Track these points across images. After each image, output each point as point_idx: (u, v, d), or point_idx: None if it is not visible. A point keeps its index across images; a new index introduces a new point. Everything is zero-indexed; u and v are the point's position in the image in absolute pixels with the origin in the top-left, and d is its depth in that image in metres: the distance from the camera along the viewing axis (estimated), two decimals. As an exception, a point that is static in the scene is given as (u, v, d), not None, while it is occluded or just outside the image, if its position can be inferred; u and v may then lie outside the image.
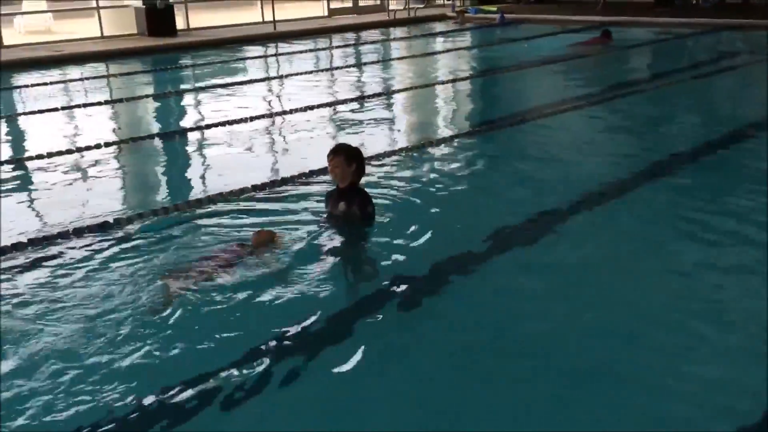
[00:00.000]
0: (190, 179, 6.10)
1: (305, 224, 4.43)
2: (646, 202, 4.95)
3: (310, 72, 11.11)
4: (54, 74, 11.44)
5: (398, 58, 12.87)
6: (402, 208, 4.77)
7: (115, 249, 4.23)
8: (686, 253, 4.07)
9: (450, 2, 20.24)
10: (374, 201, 4.44)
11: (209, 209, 4.94)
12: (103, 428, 2.64)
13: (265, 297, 3.53)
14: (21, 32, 16.91)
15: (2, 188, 5.67)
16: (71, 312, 3.44)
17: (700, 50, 12.64)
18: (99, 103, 9.08)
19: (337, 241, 4.20)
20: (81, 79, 11.09)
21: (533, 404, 2.76)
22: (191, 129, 7.70)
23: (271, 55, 13.67)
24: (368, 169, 4.61)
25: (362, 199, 4.34)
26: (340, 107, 8.49)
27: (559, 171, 5.63)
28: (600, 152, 6.25)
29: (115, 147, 6.88)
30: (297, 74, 10.89)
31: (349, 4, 19.67)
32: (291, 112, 8.10)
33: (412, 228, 4.35)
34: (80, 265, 4.01)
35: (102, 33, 14.88)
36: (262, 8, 16.80)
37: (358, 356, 3.06)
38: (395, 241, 4.17)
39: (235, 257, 3.90)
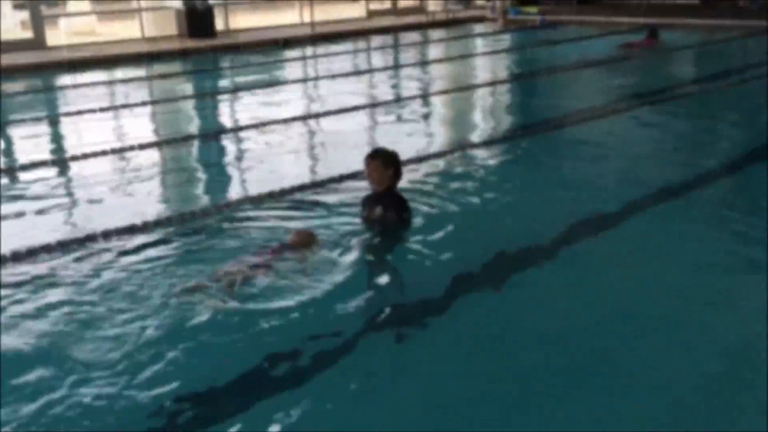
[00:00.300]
0: (228, 180, 6.09)
1: (341, 227, 4.43)
2: (694, 209, 4.80)
3: (348, 74, 11.10)
4: (97, 75, 11.59)
5: (436, 61, 12.74)
6: (438, 213, 4.68)
7: (157, 248, 4.27)
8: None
9: (490, 3, 20.07)
10: (411, 205, 4.42)
11: (247, 211, 4.96)
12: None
13: (300, 297, 3.55)
14: (66, 33, 17.21)
15: (42, 187, 5.72)
16: (104, 311, 3.49)
17: (745, 53, 12.27)
18: (140, 104, 9.14)
19: (372, 245, 4.21)
20: (123, 81, 11.20)
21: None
22: (231, 130, 7.73)
23: (310, 57, 13.69)
24: (405, 173, 4.52)
25: (399, 204, 4.33)
26: (377, 110, 8.45)
27: (602, 176, 5.49)
28: (642, 157, 6.06)
29: (155, 148, 6.93)
30: (334, 76, 10.88)
31: (389, 5, 19.63)
32: (328, 114, 8.08)
33: (448, 234, 4.33)
34: (128, 263, 4.05)
35: (143, 34, 15.07)
36: (301, 10, 16.86)
37: (385, 360, 3.12)
38: (430, 247, 4.14)
39: (273, 257, 3.94)
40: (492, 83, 9.93)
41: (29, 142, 7.46)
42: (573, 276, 3.84)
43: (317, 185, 5.40)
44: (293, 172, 5.83)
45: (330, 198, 5.09)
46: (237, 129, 7.72)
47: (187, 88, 10.78)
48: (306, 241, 4.10)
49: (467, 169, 5.87)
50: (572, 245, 4.19)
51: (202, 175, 6.32)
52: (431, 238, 4.23)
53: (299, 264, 3.89)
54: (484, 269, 3.92)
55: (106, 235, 4.49)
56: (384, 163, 4.28)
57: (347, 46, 14.47)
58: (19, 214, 5.06)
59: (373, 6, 19.62)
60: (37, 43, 13.65)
